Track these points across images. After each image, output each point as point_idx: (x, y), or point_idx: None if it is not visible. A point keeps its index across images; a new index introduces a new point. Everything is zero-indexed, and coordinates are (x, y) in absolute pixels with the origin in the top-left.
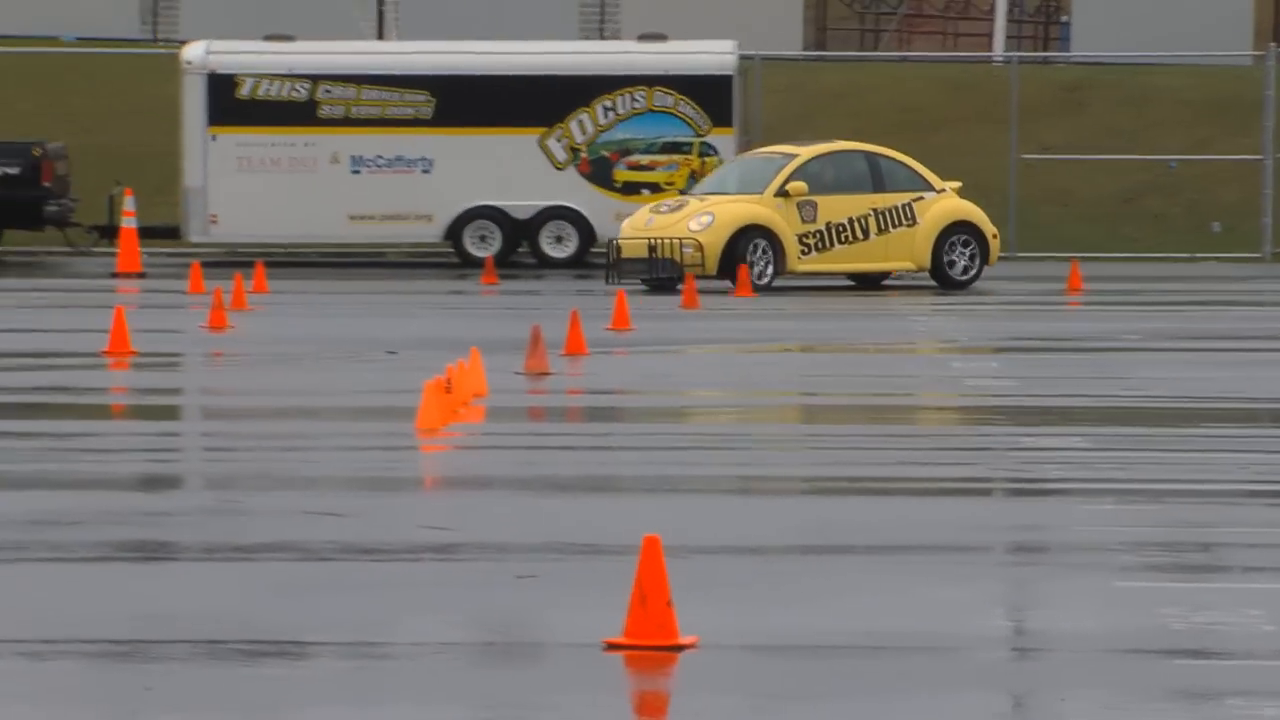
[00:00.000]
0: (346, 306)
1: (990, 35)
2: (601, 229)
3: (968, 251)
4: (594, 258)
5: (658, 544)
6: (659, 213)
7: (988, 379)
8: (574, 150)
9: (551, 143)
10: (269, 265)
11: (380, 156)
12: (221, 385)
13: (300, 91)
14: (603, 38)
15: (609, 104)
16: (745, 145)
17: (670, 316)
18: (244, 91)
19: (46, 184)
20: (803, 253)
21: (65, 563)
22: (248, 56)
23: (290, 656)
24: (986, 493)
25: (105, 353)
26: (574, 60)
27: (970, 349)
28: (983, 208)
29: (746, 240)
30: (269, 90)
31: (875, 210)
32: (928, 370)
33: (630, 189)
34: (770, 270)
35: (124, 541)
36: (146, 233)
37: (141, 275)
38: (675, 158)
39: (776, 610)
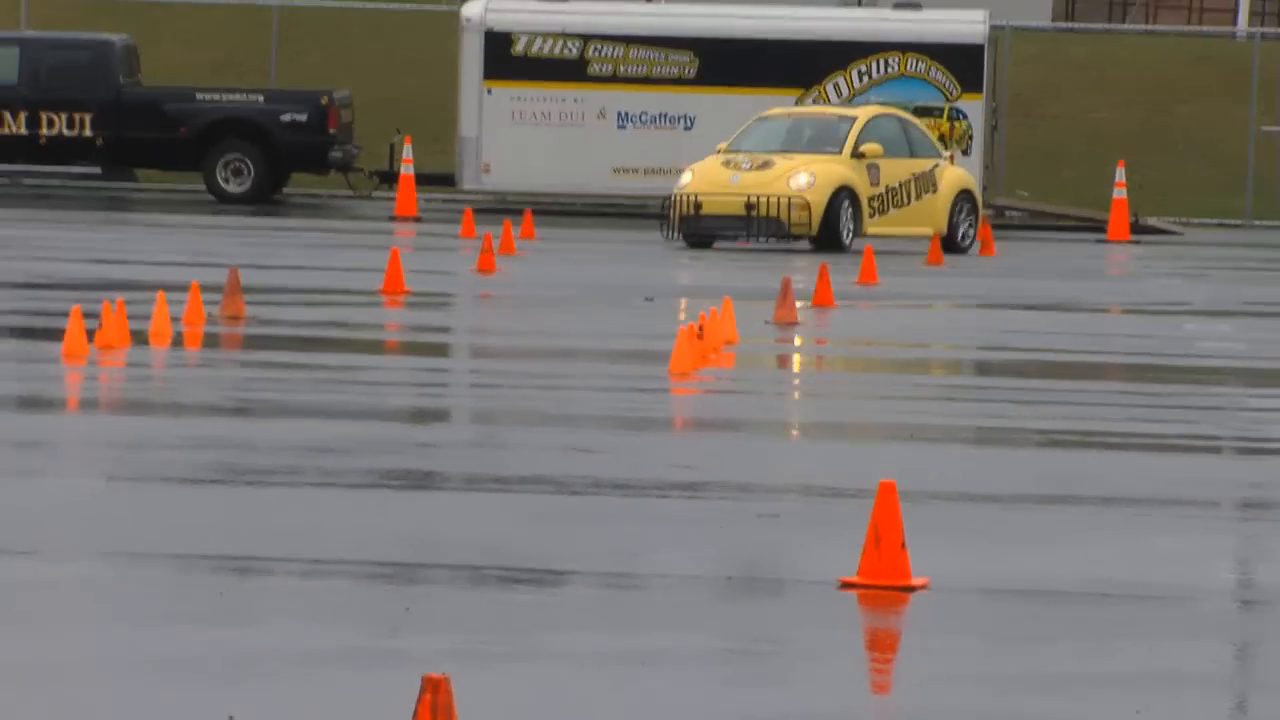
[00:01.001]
0: (608, 255)
1: (1234, 10)
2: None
3: (970, 219)
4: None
5: (893, 488)
6: (740, 169)
7: (1219, 341)
8: None
9: (808, 104)
10: (536, 213)
11: (645, 113)
12: (488, 325)
13: (571, 50)
14: (860, 5)
15: (864, 68)
16: (993, 111)
17: (915, 273)
18: (519, 48)
19: (332, 131)
20: (870, 215)
21: (336, 488)
22: (523, 15)
23: (545, 584)
24: (1216, 450)
25: (380, 291)
26: (832, 26)
27: (1202, 312)
28: (1221, 177)
29: (839, 201)
30: (542, 48)
31: (914, 175)
32: (1160, 331)
33: None
34: (851, 231)
35: (391, 470)
36: (423, 179)
37: (417, 219)
38: (925, 121)
39: (1007, 556)
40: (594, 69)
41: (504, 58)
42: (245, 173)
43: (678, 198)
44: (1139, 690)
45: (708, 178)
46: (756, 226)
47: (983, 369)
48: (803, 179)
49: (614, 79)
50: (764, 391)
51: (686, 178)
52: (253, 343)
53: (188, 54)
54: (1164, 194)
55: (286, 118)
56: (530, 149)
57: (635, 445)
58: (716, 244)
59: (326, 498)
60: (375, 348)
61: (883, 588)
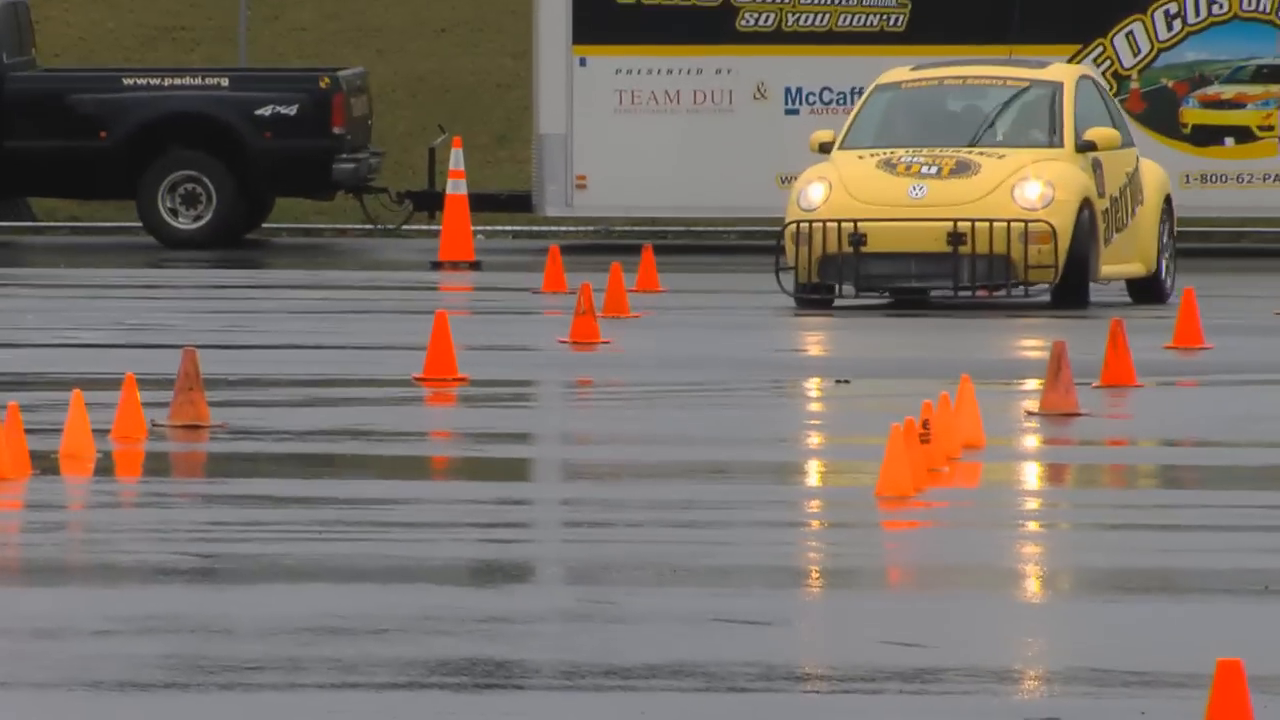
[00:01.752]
0: (768, 312)
1: None
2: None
3: (1170, 244)
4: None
5: (1240, 672)
6: (918, 174)
7: None
8: (1120, 78)
9: (1086, 65)
10: (660, 251)
11: (828, 89)
12: (588, 429)
13: None
14: None
15: (1173, 9)
16: None
17: (1267, 329)
18: None
19: (337, 129)
20: (1105, 243)
21: (361, 690)
22: None
23: None
24: None
25: (421, 379)
26: None
27: None
28: None
29: (1083, 224)
30: None
31: (1128, 175)
32: None
33: (1205, 137)
34: (1093, 273)
35: (448, 661)
36: (482, 203)
37: (475, 265)
38: (1275, 89)
39: None
40: (746, 22)
41: (605, 9)
42: (203, 200)
43: (809, 227)
44: None
45: (861, 189)
46: (969, 270)
47: None
48: (1034, 190)
49: (778, 37)
50: (1027, 523)
51: (817, 191)
52: (222, 466)
53: (109, 16)
54: None
55: (266, 112)
56: (649, 150)
57: (825, 611)
58: (850, 296)
59: (348, 706)
60: (416, 469)
61: None
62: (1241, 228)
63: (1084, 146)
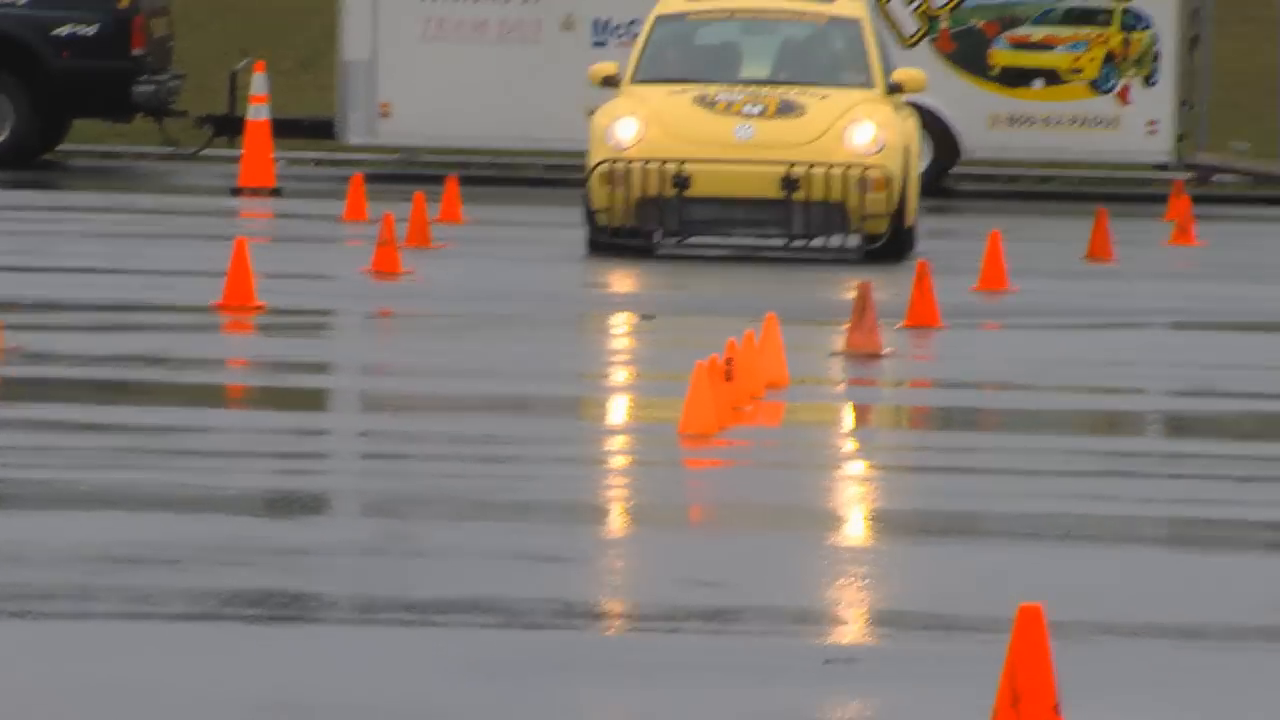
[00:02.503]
0: (572, 245)
1: None
2: (970, 137)
3: None
4: (955, 180)
5: (1041, 618)
6: (741, 113)
7: None
8: (930, 18)
9: (896, 5)
10: (465, 181)
11: (636, 20)
12: (389, 360)
13: None
14: None
15: None
16: (1193, 11)
17: (1069, 273)
18: None
19: (136, 52)
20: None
21: (153, 621)
22: None
23: None
24: None
25: (219, 307)
26: None
27: None
28: None
29: (906, 174)
30: None
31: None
32: None
33: (1014, 78)
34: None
35: (242, 592)
36: (284, 128)
37: (276, 192)
38: (1084, 32)
39: None
40: None
41: None
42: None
43: (625, 167)
44: None
45: (681, 128)
46: (802, 218)
47: (1179, 426)
48: (867, 133)
49: None
50: (828, 464)
51: (629, 128)
52: (14, 391)
53: None
54: None
55: (64, 32)
56: (454, 79)
57: (626, 550)
58: (663, 245)
59: (139, 636)
60: (213, 397)
61: None
62: (1049, 170)
63: (893, 88)
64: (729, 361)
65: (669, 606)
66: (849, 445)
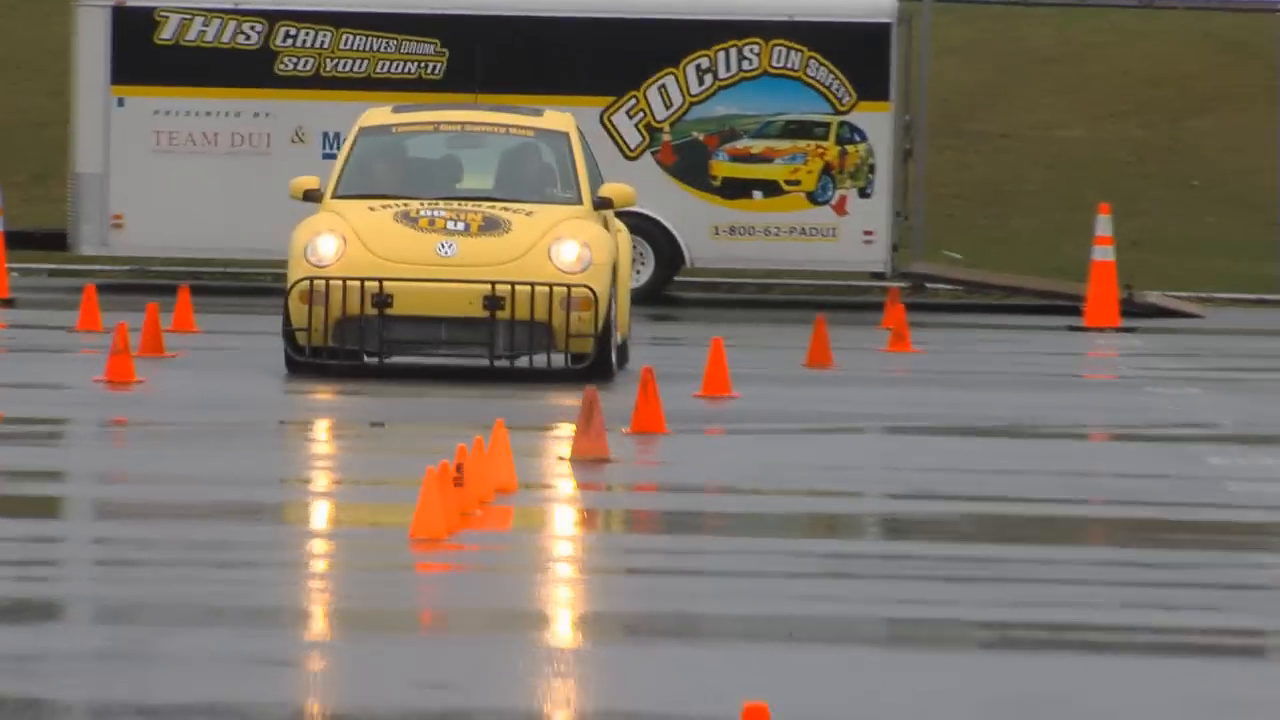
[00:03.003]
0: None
1: None
2: (692, 248)
3: None
4: (679, 288)
5: (765, 715)
6: (445, 230)
7: (1262, 483)
8: (652, 130)
9: (620, 118)
10: (198, 291)
11: None
12: (122, 467)
13: (250, 36)
14: None
15: (705, 63)
16: (906, 126)
17: (789, 379)
18: (167, 34)
19: None
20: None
21: None
22: None
23: None
24: (1260, 653)
25: None
26: (656, 1)
27: (1235, 438)
28: (1258, 228)
29: (611, 292)
30: (204, 33)
31: (616, 234)
32: (1171, 468)
33: (735, 189)
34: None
35: None
36: (17, 240)
37: (9, 302)
38: (802, 145)
39: None
40: (286, 66)
41: (143, 49)
42: None
43: (325, 285)
44: None
45: (382, 244)
46: (508, 337)
47: (896, 529)
48: (572, 251)
49: (317, 82)
50: (553, 568)
51: (329, 245)
52: None
53: None
54: (1171, 255)
55: None
56: (186, 191)
57: (361, 652)
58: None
59: None
60: None
61: None
62: (770, 279)
63: (600, 204)
64: (459, 467)
65: (402, 709)
66: (575, 549)
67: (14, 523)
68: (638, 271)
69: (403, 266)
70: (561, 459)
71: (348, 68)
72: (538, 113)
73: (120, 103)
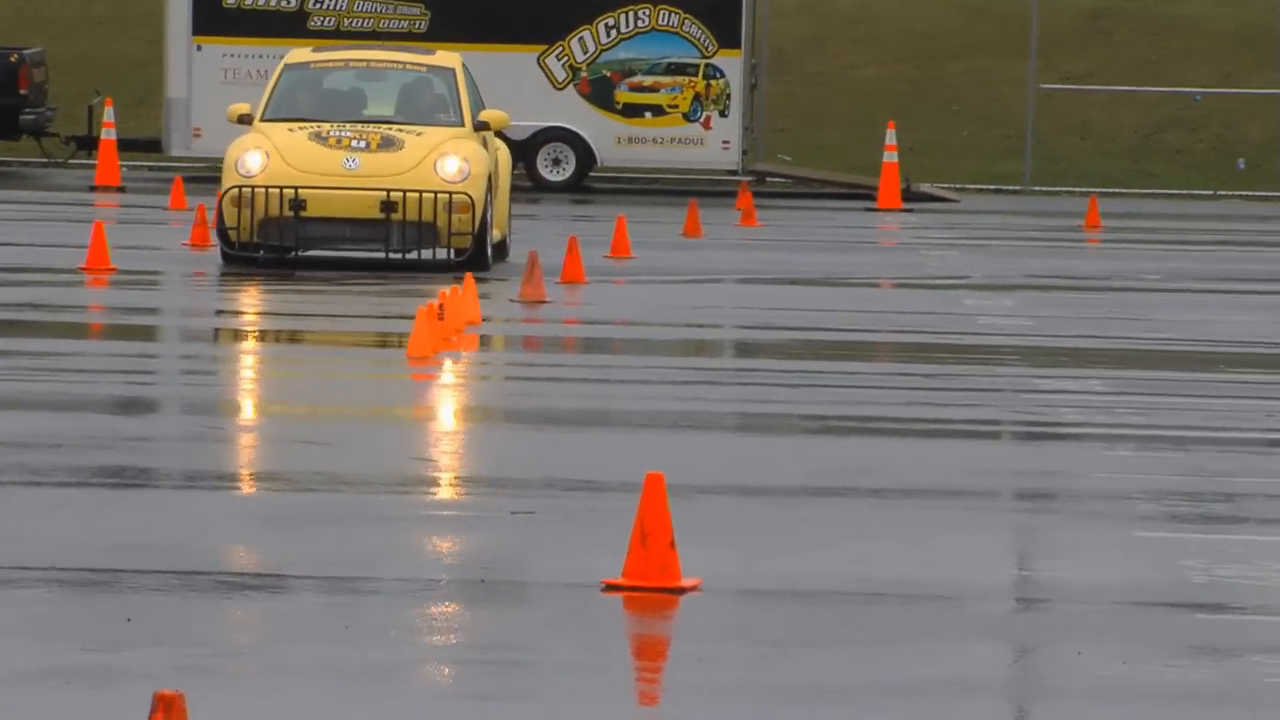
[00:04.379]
0: None
1: None
2: (602, 152)
3: None
4: (593, 182)
5: (661, 482)
6: (350, 147)
7: (1001, 317)
8: (574, 69)
9: (551, 61)
10: None
11: None
12: (203, 305)
13: (291, 1)
14: None
15: (611, 21)
16: (753, 67)
17: (671, 245)
18: (231, 0)
19: (23, 91)
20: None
21: (41, 488)
22: None
23: (276, 591)
24: (998, 436)
25: (83, 269)
26: None
27: (983, 286)
28: (998, 140)
29: (487, 199)
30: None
31: (496, 152)
32: (938, 306)
33: (632, 111)
34: (492, 240)
35: (103, 467)
36: (126, 145)
37: (120, 189)
38: (679, 79)
39: (779, 554)
40: (315, 22)
41: (214, 10)
42: None
43: (251, 193)
44: (917, 698)
45: (298, 159)
46: (399, 235)
47: (747, 350)
48: (453, 165)
49: (337, 34)
50: (512, 376)
51: (255, 159)
52: None
53: None
54: (937, 158)
55: None
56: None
57: (373, 436)
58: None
59: (30, 498)
60: (80, 331)
61: (650, 590)
62: (656, 175)
63: (480, 126)
64: (441, 306)
65: (400, 476)
66: (521, 364)
67: (126, 344)
68: (563, 169)
69: (315, 176)
70: (512, 301)
71: (359, 25)
72: (430, 53)
73: (199, 48)
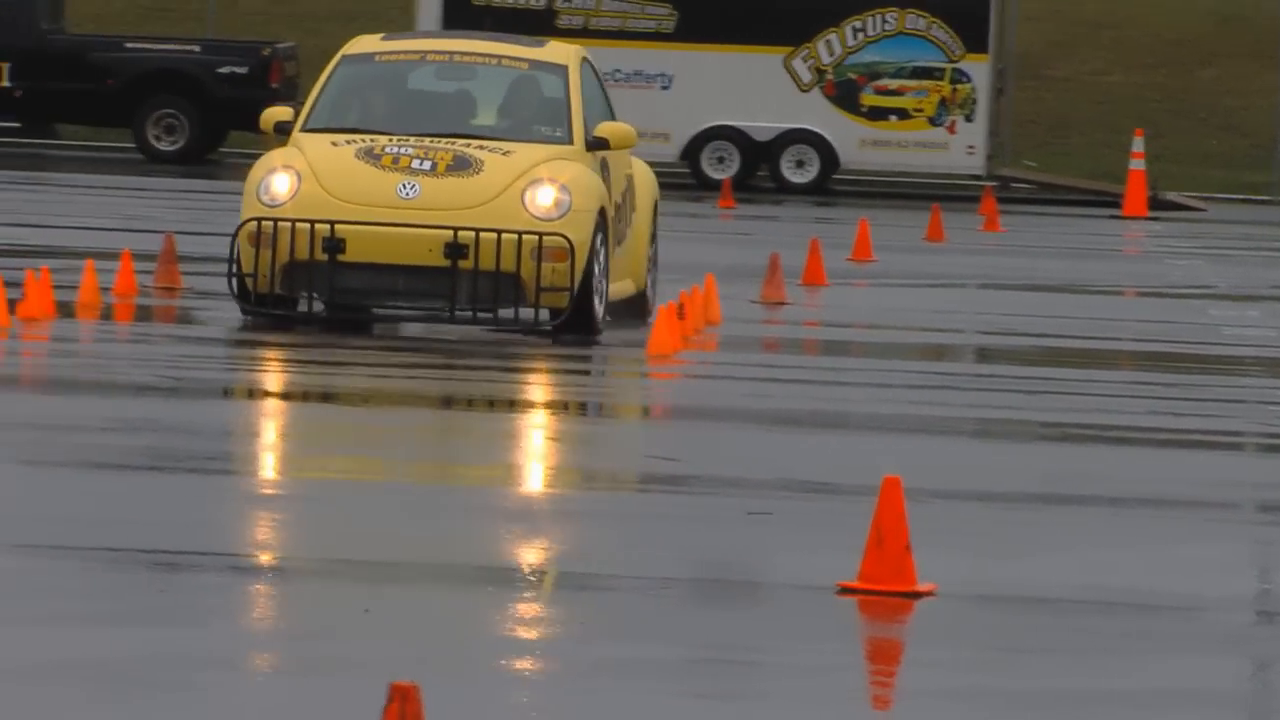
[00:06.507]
0: None
1: None
2: (845, 154)
3: (654, 262)
4: (835, 184)
5: (898, 485)
6: (409, 169)
7: (1246, 328)
8: (819, 71)
9: (796, 63)
10: None
11: (618, 70)
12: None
13: (538, 0)
14: None
15: (858, 25)
16: (999, 71)
17: (913, 249)
18: None
19: (274, 85)
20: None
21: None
22: None
23: (513, 584)
24: (1241, 448)
25: None
26: None
27: (1228, 296)
28: (1247, 149)
29: (596, 240)
30: None
31: (628, 178)
32: (1181, 316)
33: (876, 114)
34: (604, 297)
35: (151, 449)
36: None
37: None
38: (925, 83)
39: (1014, 559)
40: (563, 21)
41: (464, 7)
42: (178, 129)
43: (274, 227)
44: (1150, 708)
45: (338, 184)
46: (470, 289)
47: (986, 355)
48: (547, 195)
49: (584, 32)
50: (750, 377)
51: (282, 183)
52: (188, 315)
53: (117, 0)
54: (1184, 166)
55: (224, 70)
56: None
57: (612, 433)
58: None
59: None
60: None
61: (885, 594)
62: (899, 178)
63: (595, 144)
64: (682, 306)
65: (640, 474)
66: (761, 363)
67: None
68: (807, 171)
69: (359, 208)
70: (753, 302)
71: (607, 23)
72: (540, 43)
73: None
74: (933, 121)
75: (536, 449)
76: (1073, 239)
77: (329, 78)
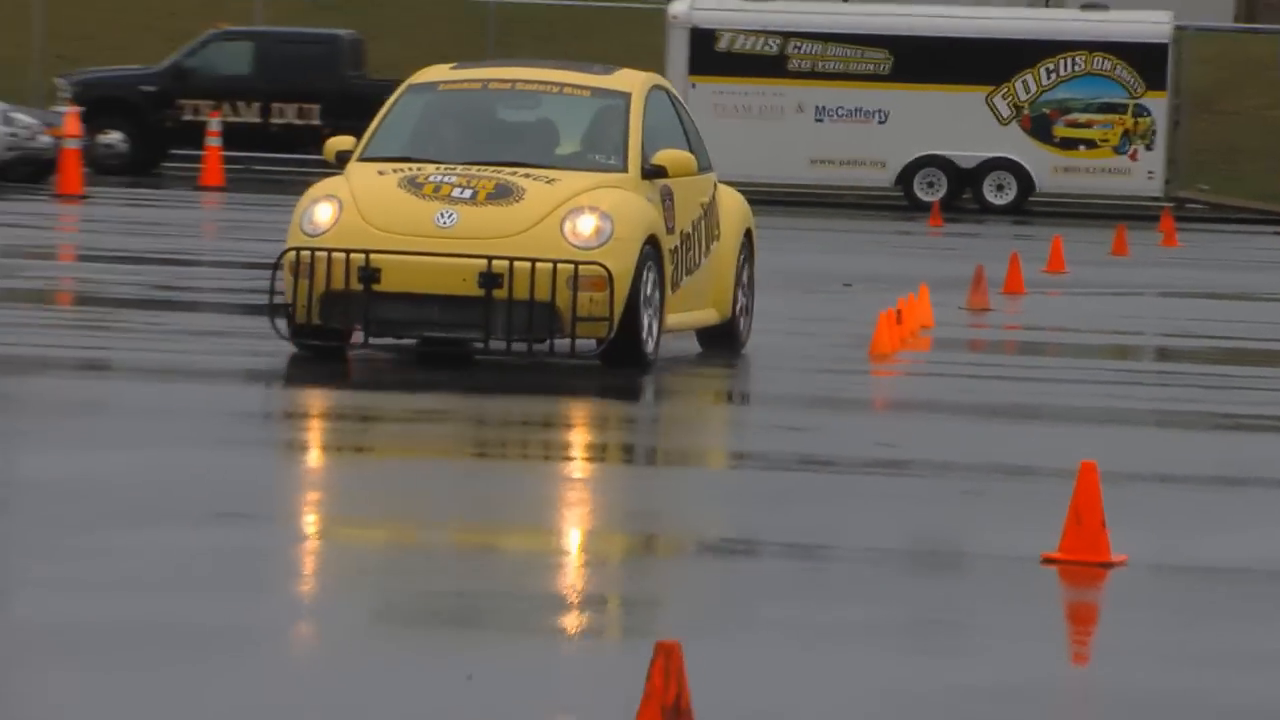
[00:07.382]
0: (807, 242)
1: None
2: (1040, 179)
3: (748, 288)
4: (1031, 205)
5: (1094, 469)
6: (449, 197)
7: None
8: (1017, 107)
9: (997, 100)
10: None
11: (841, 107)
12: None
13: (772, 46)
14: (1048, 5)
15: (1051, 66)
16: (1175, 106)
17: (1101, 262)
18: (722, 45)
19: None
20: (672, 289)
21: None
22: (727, 14)
23: (751, 555)
24: None
25: None
26: (1021, 25)
27: None
28: None
29: (643, 268)
30: (744, 44)
31: (702, 206)
32: None
33: (1068, 144)
34: (656, 328)
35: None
36: None
37: None
38: (1110, 117)
39: (1195, 535)
40: (793, 65)
41: (708, 54)
42: None
43: (312, 257)
44: None
45: (377, 213)
46: (505, 319)
47: (1168, 355)
48: (587, 224)
49: (812, 74)
50: (959, 374)
51: (324, 212)
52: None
53: (410, 50)
54: None
55: None
56: (732, 141)
57: (839, 424)
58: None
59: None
60: None
61: (1083, 564)
62: (1087, 200)
63: (652, 172)
64: (899, 312)
65: (865, 458)
66: (970, 362)
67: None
68: (1006, 194)
69: (395, 238)
70: (960, 308)
71: (831, 67)
72: (608, 71)
73: (693, 86)
74: (1117, 150)
75: (780, 438)
76: (1244, 253)
77: (390, 107)
